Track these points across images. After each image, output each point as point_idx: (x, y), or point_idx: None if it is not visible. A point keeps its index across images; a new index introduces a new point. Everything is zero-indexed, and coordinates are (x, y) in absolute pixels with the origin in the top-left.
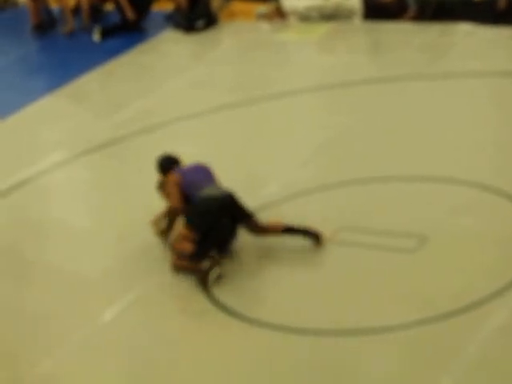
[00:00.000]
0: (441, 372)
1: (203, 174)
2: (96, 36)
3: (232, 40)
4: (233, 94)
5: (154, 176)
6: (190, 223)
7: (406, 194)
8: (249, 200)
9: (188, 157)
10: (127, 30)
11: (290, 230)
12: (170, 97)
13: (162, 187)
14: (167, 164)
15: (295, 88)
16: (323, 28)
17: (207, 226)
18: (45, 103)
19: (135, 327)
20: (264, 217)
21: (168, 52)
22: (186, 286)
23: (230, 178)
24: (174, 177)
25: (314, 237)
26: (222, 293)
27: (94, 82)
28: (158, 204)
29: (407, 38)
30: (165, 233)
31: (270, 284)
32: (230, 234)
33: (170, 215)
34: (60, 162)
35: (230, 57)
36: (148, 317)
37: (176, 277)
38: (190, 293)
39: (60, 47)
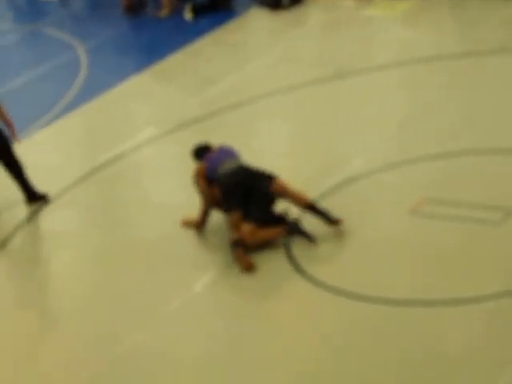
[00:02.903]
0: None
1: (225, 153)
2: (188, 15)
3: (317, 16)
4: (318, 70)
5: (243, 151)
6: (232, 207)
7: (490, 167)
8: (334, 174)
9: (274, 132)
10: (216, 9)
11: (313, 209)
12: (258, 73)
13: (195, 179)
14: (199, 152)
15: (379, 63)
16: (407, 4)
17: (238, 197)
18: (136, 81)
19: (224, 297)
20: (347, 192)
21: (255, 29)
22: (270, 256)
23: (316, 153)
24: (199, 167)
25: (333, 222)
26: (309, 263)
27: (183, 61)
28: None
29: (491, 12)
30: (199, 225)
31: (354, 254)
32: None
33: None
34: (151, 138)
35: (315, 33)
36: (236, 287)
37: (260, 248)
38: (276, 263)
39: (150, 27)
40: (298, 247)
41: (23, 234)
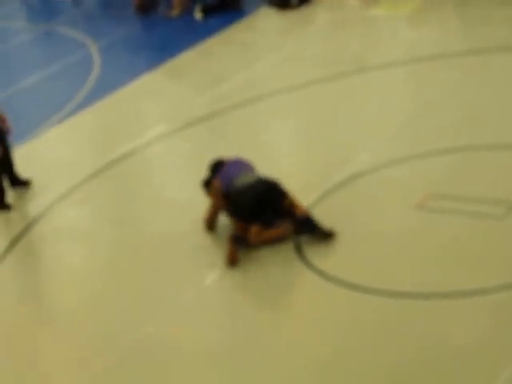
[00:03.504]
0: None
1: (238, 166)
2: (198, 14)
3: (325, 16)
4: (325, 68)
5: (251, 147)
6: (240, 218)
7: (494, 163)
8: (340, 170)
9: (282, 130)
10: (226, 9)
11: (309, 220)
12: (266, 72)
13: (209, 188)
14: (214, 167)
15: (385, 62)
16: (411, 3)
17: (251, 211)
18: (147, 80)
19: (234, 291)
20: (354, 187)
21: (263, 29)
22: (279, 250)
23: (323, 149)
24: (215, 184)
25: (325, 235)
26: (317, 257)
27: (193, 59)
28: None
29: (494, 10)
30: (211, 226)
31: (361, 248)
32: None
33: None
34: (162, 136)
35: (322, 32)
36: (246, 281)
37: (267, 245)
38: (285, 257)
39: (161, 27)
40: (307, 241)
41: (35, 230)
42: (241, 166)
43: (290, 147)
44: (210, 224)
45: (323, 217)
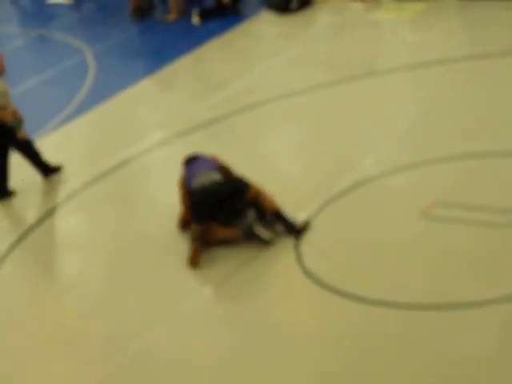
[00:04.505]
0: None
1: (201, 164)
2: (195, 19)
3: (326, 20)
4: (327, 72)
5: (252, 154)
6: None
7: (501, 170)
8: (344, 177)
9: (284, 135)
10: (224, 13)
11: (279, 217)
12: (266, 77)
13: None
14: (187, 162)
15: (388, 66)
16: (416, 7)
17: (205, 215)
18: (144, 85)
19: (234, 300)
20: (358, 195)
21: (263, 33)
22: (279, 260)
23: (326, 156)
24: (181, 175)
25: (295, 232)
26: (317, 266)
27: (190, 65)
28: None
29: (499, 14)
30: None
31: (364, 257)
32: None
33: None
34: (160, 142)
35: (324, 36)
36: (246, 290)
37: (271, 250)
38: (285, 267)
39: (157, 31)
40: (308, 251)
41: (32, 237)
42: (203, 164)
43: (292, 153)
44: (182, 222)
45: (326, 225)
